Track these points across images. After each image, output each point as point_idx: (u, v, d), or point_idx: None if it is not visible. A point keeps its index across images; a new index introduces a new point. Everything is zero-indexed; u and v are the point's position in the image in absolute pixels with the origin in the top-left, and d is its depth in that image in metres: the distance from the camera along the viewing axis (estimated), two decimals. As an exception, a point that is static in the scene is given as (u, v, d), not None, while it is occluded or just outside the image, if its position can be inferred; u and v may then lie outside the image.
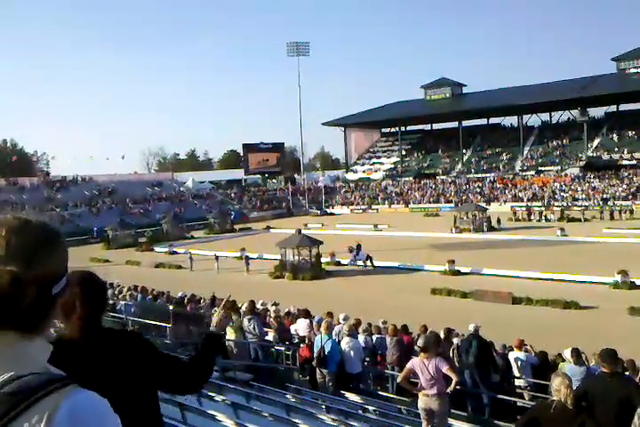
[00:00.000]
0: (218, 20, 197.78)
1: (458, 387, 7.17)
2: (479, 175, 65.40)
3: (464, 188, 63.03)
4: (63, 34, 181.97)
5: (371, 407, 8.26)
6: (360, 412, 7.94)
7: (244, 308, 13.06)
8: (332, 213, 62.26)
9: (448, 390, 6.74)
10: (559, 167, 61.44)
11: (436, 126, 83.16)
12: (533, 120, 73.69)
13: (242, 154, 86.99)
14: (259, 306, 14.85)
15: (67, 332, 1.92)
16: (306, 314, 13.34)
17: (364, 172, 77.96)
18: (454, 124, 74.93)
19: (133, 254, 37.18)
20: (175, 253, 36.92)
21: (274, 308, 14.50)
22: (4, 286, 0.88)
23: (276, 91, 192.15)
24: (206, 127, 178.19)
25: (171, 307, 15.40)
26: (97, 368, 1.75)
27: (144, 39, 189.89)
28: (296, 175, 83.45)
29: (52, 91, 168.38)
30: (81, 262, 27.91)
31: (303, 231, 30.61)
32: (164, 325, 13.34)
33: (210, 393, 6.99)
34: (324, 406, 7.76)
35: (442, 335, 10.39)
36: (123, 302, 15.79)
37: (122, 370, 1.85)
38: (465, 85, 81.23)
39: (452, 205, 56.64)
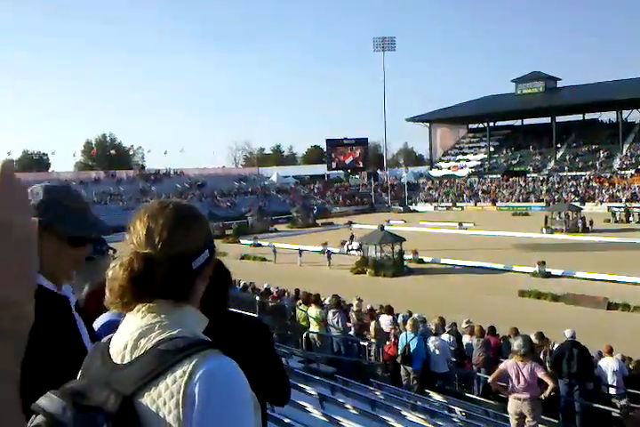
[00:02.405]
0: (304, 16, 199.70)
1: (552, 393, 6.87)
2: (573, 173, 62.11)
3: (557, 186, 60.15)
4: (158, 33, 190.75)
5: (457, 408, 8.09)
6: (445, 412, 7.80)
7: (327, 301, 13.18)
8: (414, 210, 61.40)
9: (542, 396, 6.47)
10: (663, 165, 57.27)
11: (527, 122, 79.83)
12: (634, 116, 68.92)
13: (325, 149, 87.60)
14: (342, 300, 14.91)
15: None
16: (388, 310, 13.25)
17: (449, 168, 76.26)
18: (547, 120, 71.66)
19: (220, 246, 38.41)
20: (260, 245, 37.83)
21: (356, 302, 14.50)
22: (141, 267, 1.01)
23: (360, 86, 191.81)
24: (291, 122, 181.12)
25: (257, 298, 15.79)
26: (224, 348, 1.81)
27: (230, 36, 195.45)
28: (379, 171, 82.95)
29: (149, 87, 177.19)
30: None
31: (385, 228, 30.42)
32: (251, 315, 13.67)
33: (297, 383, 7.10)
34: (409, 404, 7.68)
35: (534, 340, 10.01)
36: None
37: (241, 352, 1.90)
38: (559, 79, 77.42)
39: (543, 204, 54.24)
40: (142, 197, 56.55)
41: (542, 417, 7.15)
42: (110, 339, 1.06)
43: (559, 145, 68.60)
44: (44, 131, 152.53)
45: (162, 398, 0.93)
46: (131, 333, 1.01)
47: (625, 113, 66.42)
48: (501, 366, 6.87)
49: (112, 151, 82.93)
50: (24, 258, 0.54)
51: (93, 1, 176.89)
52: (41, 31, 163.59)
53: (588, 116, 73.64)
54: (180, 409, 0.92)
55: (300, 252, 30.63)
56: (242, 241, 40.65)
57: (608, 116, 71.12)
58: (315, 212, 54.56)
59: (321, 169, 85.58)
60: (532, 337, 10.09)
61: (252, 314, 13.40)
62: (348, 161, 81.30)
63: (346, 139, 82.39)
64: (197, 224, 1.12)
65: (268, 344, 2.08)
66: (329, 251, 30.21)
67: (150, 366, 0.95)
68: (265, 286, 18.10)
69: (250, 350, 1.94)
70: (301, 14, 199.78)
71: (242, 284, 18.33)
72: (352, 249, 32.14)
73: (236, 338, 1.94)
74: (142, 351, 0.98)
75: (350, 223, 48.93)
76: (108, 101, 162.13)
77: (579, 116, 74.06)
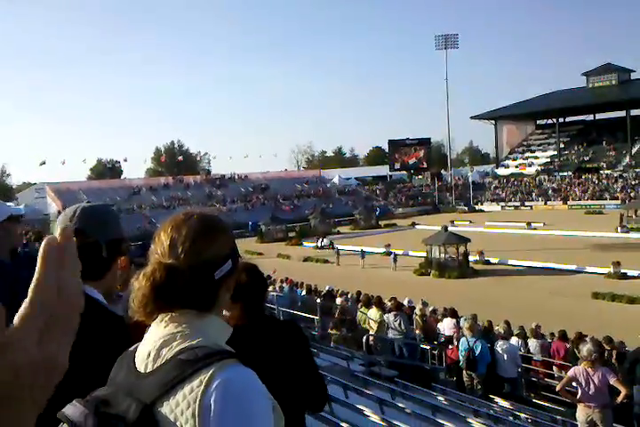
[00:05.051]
0: (362, 17, 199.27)
1: (624, 400, 6.50)
2: (651, 169, 58.79)
3: (632, 183, 57.06)
4: (217, 41, 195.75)
5: (522, 415, 7.80)
6: (510, 418, 7.53)
7: (389, 304, 13.05)
8: (480, 210, 59.90)
9: (616, 402, 6.15)
10: None
11: (600, 116, 76.24)
12: None
13: (387, 150, 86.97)
14: (405, 303, 14.73)
15: (231, 318, 2.05)
16: (452, 313, 12.96)
17: (516, 166, 73.93)
18: (621, 114, 68.12)
19: (284, 248, 38.94)
20: (322, 247, 38.00)
21: (420, 306, 14.28)
22: (163, 277, 1.04)
23: (422, 85, 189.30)
24: (352, 124, 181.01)
25: (318, 300, 15.85)
26: (256, 352, 1.82)
27: (288, 39, 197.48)
28: (443, 171, 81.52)
29: (214, 95, 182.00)
30: (237, 254, 29.77)
31: (450, 228, 29.83)
32: (312, 317, 13.75)
33: (356, 387, 7.06)
34: (472, 410, 7.47)
35: (605, 345, 9.53)
36: (274, 294, 16.58)
37: (277, 356, 1.91)
38: (633, 71, 73.43)
39: (618, 202, 51.58)
40: (209, 201, 58.14)
41: (614, 426, 6.79)
42: (137, 348, 1.09)
43: (635, 140, 65.00)
44: (117, 139, 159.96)
45: (179, 407, 0.95)
46: (154, 342, 1.04)
47: None
48: (570, 373, 6.57)
49: (180, 157, 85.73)
50: (74, 318, 0.57)
51: (161, 12, 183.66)
52: (110, 45, 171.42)
53: (668, 108, 69.47)
54: (197, 419, 0.93)
55: (363, 253, 30.51)
56: (304, 243, 40.95)
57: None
58: (377, 213, 54.23)
59: (383, 170, 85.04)
60: (602, 341, 9.62)
61: (307, 315, 13.51)
62: (410, 161, 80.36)
63: (408, 139, 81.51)
64: (221, 234, 1.14)
65: (303, 347, 2.07)
66: (393, 253, 29.88)
67: (170, 375, 0.97)
68: (327, 288, 18.15)
69: (285, 353, 1.93)
70: (360, 15, 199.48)
71: (303, 285, 18.44)
72: (324, 246, 36.52)
73: (271, 342, 1.95)
74: (163, 360, 1.00)
75: (414, 224, 48.25)
76: (176, 110, 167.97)
77: (657, 110, 69.96)
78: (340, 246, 34.46)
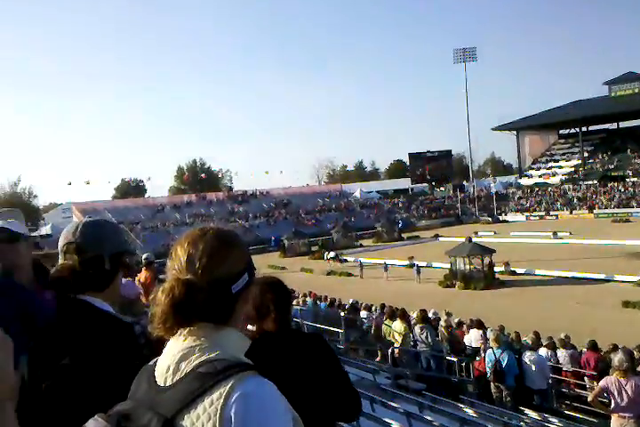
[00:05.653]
0: (380, 31, 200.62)
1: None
2: (678, 176, 57.61)
3: (660, 190, 55.99)
4: (242, 58, 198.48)
5: (554, 426, 7.60)
6: (542, 431, 7.35)
7: (414, 316, 12.90)
8: (504, 221, 59.22)
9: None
10: None
11: (624, 125, 75.29)
12: None
13: (408, 163, 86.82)
14: (430, 315, 14.56)
15: (258, 332, 2.10)
16: (479, 325, 12.75)
17: (539, 176, 73.10)
18: (645, 121, 67.19)
19: (307, 262, 38.91)
20: (345, 260, 37.88)
21: (445, 317, 14.09)
22: (181, 293, 1.07)
23: (442, 98, 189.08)
24: (373, 138, 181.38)
25: (342, 313, 15.76)
26: (284, 365, 1.82)
27: (308, 57, 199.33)
28: (465, 182, 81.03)
29: (235, 113, 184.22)
30: (260, 269, 29.85)
31: (474, 239, 29.52)
32: (337, 330, 13.67)
33: (383, 400, 6.97)
34: (502, 422, 7.30)
35: (636, 354, 9.27)
36: (298, 308, 16.54)
37: (302, 369, 1.92)
38: (657, 78, 72.54)
39: (646, 209, 50.61)
40: (231, 217, 58.53)
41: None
42: (156, 362, 1.11)
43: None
44: (141, 159, 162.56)
45: (200, 420, 0.96)
46: (173, 356, 1.06)
47: None
48: (602, 383, 6.40)
49: (202, 175, 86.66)
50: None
51: (181, 36, 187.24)
52: (133, 63, 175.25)
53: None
54: None
55: (386, 266, 30.32)
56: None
57: None
58: (399, 226, 53.98)
59: (404, 183, 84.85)
60: (635, 351, 9.37)
61: (337, 329, 13.44)
62: (432, 174, 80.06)
63: (429, 151, 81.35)
64: (237, 249, 1.17)
65: (330, 359, 2.08)
66: (417, 265, 29.64)
67: (189, 388, 0.99)
68: (351, 302, 18.05)
69: (311, 366, 1.94)
70: (378, 29, 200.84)
71: (327, 299, 18.36)
72: (330, 258, 36.92)
73: (295, 354, 1.96)
74: (183, 374, 1.02)
75: (437, 236, 47.87)
76: (197, 128, 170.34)
77: (680, 115, 68.82)
78: (362, 260, 34.32)
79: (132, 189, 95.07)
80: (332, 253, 38.19)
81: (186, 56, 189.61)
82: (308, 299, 18.58)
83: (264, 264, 35.26)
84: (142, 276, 6.23)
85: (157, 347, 1.17)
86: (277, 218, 60.00)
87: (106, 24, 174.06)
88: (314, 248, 45.10)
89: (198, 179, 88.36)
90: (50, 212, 71.57)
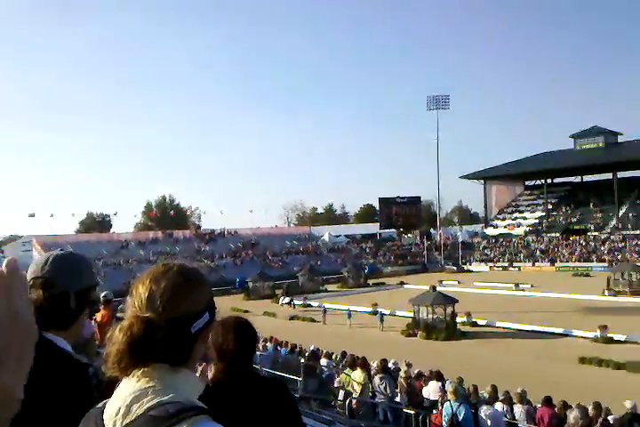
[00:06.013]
0: (356, 77, 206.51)
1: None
2: (637, 232, 59.43)
3: (619, 246, 57.66)
4: (215, 98, 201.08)
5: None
6: None
7: (375, 366, 12.82)
8: (469, 270, 59.95)
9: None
10: None
11: (587, 178, 77.85)
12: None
13: (378, 208, 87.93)
14: (390, 365, 14.48)
15: (219, 373, 2.05)
16: (438, 376, 12.73)
17: (505, 227, 74.67)
18: (608, 176, 69.51)
19: (270, 306, 38.44)
20: (309, 305, 37.58)
21: (405, 368, 14.03)
22: (140, 331, 1.04)
23: (413, 144, 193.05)
24: (344, 181, 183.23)
25: (302, 360, 15.55)
26: (240, 410, 1.83)
27: (285, 101, 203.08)
28: (432, 230, 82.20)
29: (207, 151, 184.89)
30: (222, 312, 29.33)
31: (438, 288, 29.75)
32: (295, 378, 13.45)
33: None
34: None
35: (590, 411, 9.37)
36: (257, 353, 16.27)
37: (260, 415, 1.91)
38: (620, 134, 75.64)
39: (606, 264, 51.92)
40: (197, 256, 57.83)
41: None
42: (105, 404, 1.05)
43: (621, 203, 66.23)
44: (109, 193, 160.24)
45: None
46: (124, 398, 1.01)
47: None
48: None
49: (171, 212, 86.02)
50: (28, 346, 0.57)
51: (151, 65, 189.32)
52: (104, 99, 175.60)
53: (652, 172, 71.09)
54: None
55: (350, 313, 30.19)
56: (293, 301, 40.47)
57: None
58: (366, 271, 54.13)
59: (373, 228, 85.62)
60: (589, 408, 9.48)
61: (294, 377, 13.22)
62: (400, 220, 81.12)
63: (398, 197, 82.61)
64: (200, 287, 1.15)
65: (289, 408, 2.06)
66: (381, 313, 29.59)
67: None
68: (312, 349, 17.84)
69: (269, 413, 1.94)
70: (354, 75, 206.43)
71: (289, 345, 18.12)
72: (285, 303, 37.98)
73: (253, 399, 1.96)
74: (133, 417, 0.97)
75: (402, 284, 48.04)
76: (168, 166, 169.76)
77: (642, 173, 71.61)
78: (326, 305, 34.10)
79: (97, 223, 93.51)
80: (286, 299, 38.90)
81: (158, 96, 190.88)
82: (269, 344, 18.32)
83: (227, 307, 34.69)
84: (99, 315, 6.12)
85: (108, 389, 1.14)
86: (244, 259, 59.54)
87: (78, 62, 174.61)
88: (278, 291, 44.69)
89: (166, 216, 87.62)
90: (9, 244, 69.60)
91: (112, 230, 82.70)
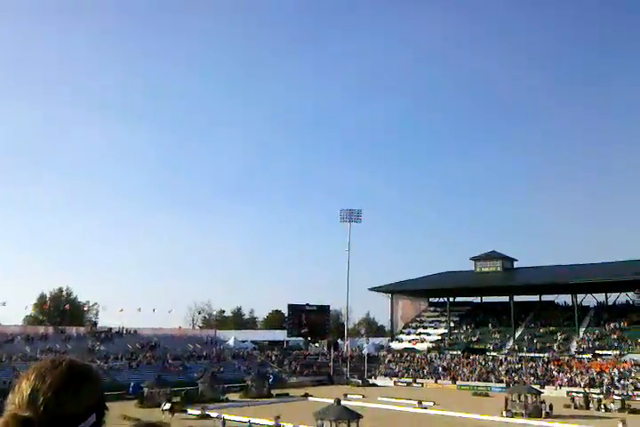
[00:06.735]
0: (270, 184, 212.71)
1: None
2: (532, 354, 61.91)
3: (516, 367, 59.63)
4: (130, 194, 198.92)
5: None
6: None
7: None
8: (373, 384, 59.22)
9: None
10: (618, 352, 57.77)
11: (487, 299, 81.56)
12: (589, 300, 70.67)
13: (286, 314, 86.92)
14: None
15: None
16: None
17: (409, 341, 75.48)
18: (505, 299, 73.37)
19: (165, 415, 35.70)
20: (208, 416, 35.27)
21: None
22: None
23: (324, 253, 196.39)
24: (254, 285, 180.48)
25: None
26: None
27: (196, 201, 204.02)
28: (339, 340, 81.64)
29: (108, 244, 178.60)
30: (111, 421, 26.84)
31: (343, 402, 29.15)
32: None
33: None
34: None
35: None
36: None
37: None
38: (515, 260, 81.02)
39: (503, 384, 53.22)
40: (90, 356, 53.61)
41: None
42: None
43: (517, 325, 69.51)
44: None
45: None
46: None
47: (580, 297, 68.00)
48: None
49: (66, 306, 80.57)
50: None
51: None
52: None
53: (545, 297, 75.79)
54: None
55: (251, 425, 28.65)
56: (189, 411, 37.89)
57: (564, 299, 73.24)
58: (270, 381, 52.13)
59: (280, 335, 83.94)
60: None
61: None
62: (308, 328, 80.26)
63: (308, 305, 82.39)
64: (89, 384, 1.08)
65: None
66: (279, 425, 28.34)
67: None
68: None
69: None
70: (268, 182, 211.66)
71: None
72: (164, 409, 36.12)
73: None
74: None
75: (307, 396, 46.49)
76: (68, 257, 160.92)
77: (536, 297, 76.13)
78: (226, 416, 32.23)
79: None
80: (167, 405, 36.79)
81: (58, 185, 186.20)
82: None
83: (118, 415, 31.86)
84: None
85: None
86: (141, 361, 55.78)
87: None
88: (176, 399, 41.71)
89: (61, 309, 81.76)
90: None
91: (-3, 322, 75.60)
